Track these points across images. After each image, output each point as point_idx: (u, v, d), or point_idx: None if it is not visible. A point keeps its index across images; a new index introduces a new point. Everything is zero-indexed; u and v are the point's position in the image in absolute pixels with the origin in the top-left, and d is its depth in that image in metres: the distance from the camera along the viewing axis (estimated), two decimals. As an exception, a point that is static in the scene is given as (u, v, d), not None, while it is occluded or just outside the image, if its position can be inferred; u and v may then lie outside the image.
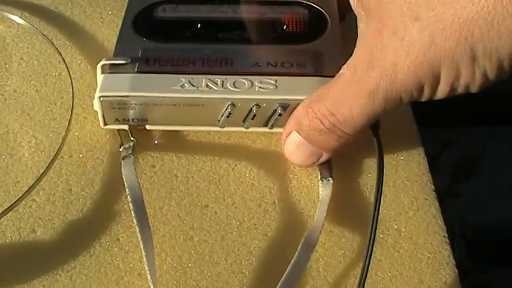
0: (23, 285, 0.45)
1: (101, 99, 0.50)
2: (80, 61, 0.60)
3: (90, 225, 0.49)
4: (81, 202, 0.50)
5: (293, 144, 0.48)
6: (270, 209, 0.50)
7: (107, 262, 0.47)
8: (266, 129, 0.52)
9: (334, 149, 0.46)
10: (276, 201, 0.50)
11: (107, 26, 0.63)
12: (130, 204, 0.46)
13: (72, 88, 0.56)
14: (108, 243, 0.48)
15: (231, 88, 0.50)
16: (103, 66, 0.51)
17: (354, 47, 0.44)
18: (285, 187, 0.51)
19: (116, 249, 0.47)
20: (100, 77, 0.51)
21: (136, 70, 0.51)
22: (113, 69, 0.51)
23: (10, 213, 0.47)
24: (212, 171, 0.52)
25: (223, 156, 0.53)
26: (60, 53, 0.59)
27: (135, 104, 0.50)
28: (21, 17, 0.63)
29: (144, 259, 0.44)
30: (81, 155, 0.53)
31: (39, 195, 0.50)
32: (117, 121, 0.52)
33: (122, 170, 0.49)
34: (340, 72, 0.44)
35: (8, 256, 0.47)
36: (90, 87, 0.57)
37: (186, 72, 0.51)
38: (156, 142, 0.53)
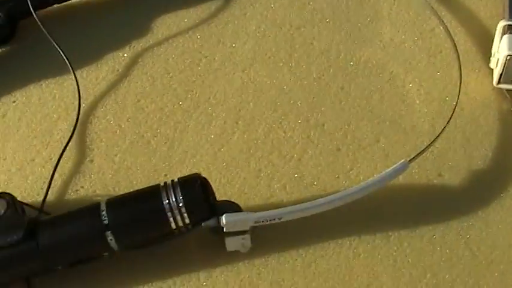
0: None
1: (508, 58, 0.51)
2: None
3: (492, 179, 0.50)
4: (481, 153, 0.52)
5: None
6: None
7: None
8: None
9: None
10: None
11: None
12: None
13: (455, 45, 0.58)
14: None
15: None
16: (504, 27, 0.53)
17: None
18: None
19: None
20: (504, 37, 0.53)
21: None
22: (513, 30, 0.53)
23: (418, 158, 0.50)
24: None
25: None
26: (432, 7, 0.61)
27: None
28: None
29: None
30: (471, 110, 0.55)
31: (439, 143, 0.52)
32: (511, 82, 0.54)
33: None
34: None
35: (411, 196, 0.52)
36: (468, 43, 0.59)
37: None
38: None
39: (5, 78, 0.60)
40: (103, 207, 0.45)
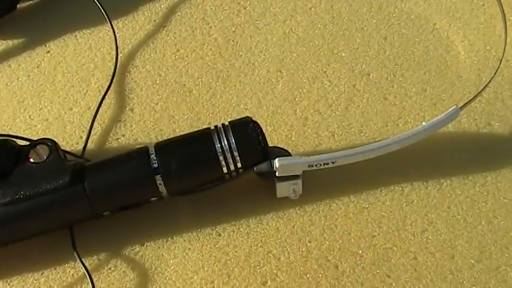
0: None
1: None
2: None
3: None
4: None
5: None
6: None
7: None
8: None
9: None
10: None
11: None
12: None
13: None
14: None
15: None
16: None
17: None
18: None
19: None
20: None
21: None
22: None
23: (466, 107, 0.49)
24: None
25: None
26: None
27: None
28: None
29: None
30: (516, 60, 0.53)
31: (487, 93, 0.51)
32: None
33: None
34: None
35: (461, 144, 0.50)
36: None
37: None
38: None
39: (38, 28, 0.58)
40: (152, 150, 0.44)
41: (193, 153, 0.44)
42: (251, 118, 0.44)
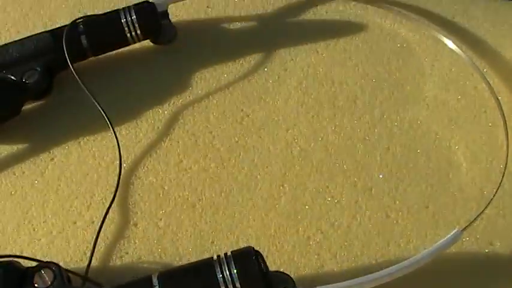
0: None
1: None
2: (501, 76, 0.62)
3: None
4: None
5: None
6: None
7: None
8: None
9: None
10: None
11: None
12: None
13: (500, 104, 0.58)
14: None
15: None
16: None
17: None
18: None
19: None
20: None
21: None
22: None
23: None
24: None
25: None
26: (474, 63, 0.61)
27: None
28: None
29: None
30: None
31: (488, 209, 0.53)
32: None
33: None
34: None
35: (462, 267, 0.52)
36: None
37: None
38: None
39: (42, 133, 0.60)
40: (155, 282, 0.46)
41: (197, 285, 0.46)
42: (253, 248, 0.46)
